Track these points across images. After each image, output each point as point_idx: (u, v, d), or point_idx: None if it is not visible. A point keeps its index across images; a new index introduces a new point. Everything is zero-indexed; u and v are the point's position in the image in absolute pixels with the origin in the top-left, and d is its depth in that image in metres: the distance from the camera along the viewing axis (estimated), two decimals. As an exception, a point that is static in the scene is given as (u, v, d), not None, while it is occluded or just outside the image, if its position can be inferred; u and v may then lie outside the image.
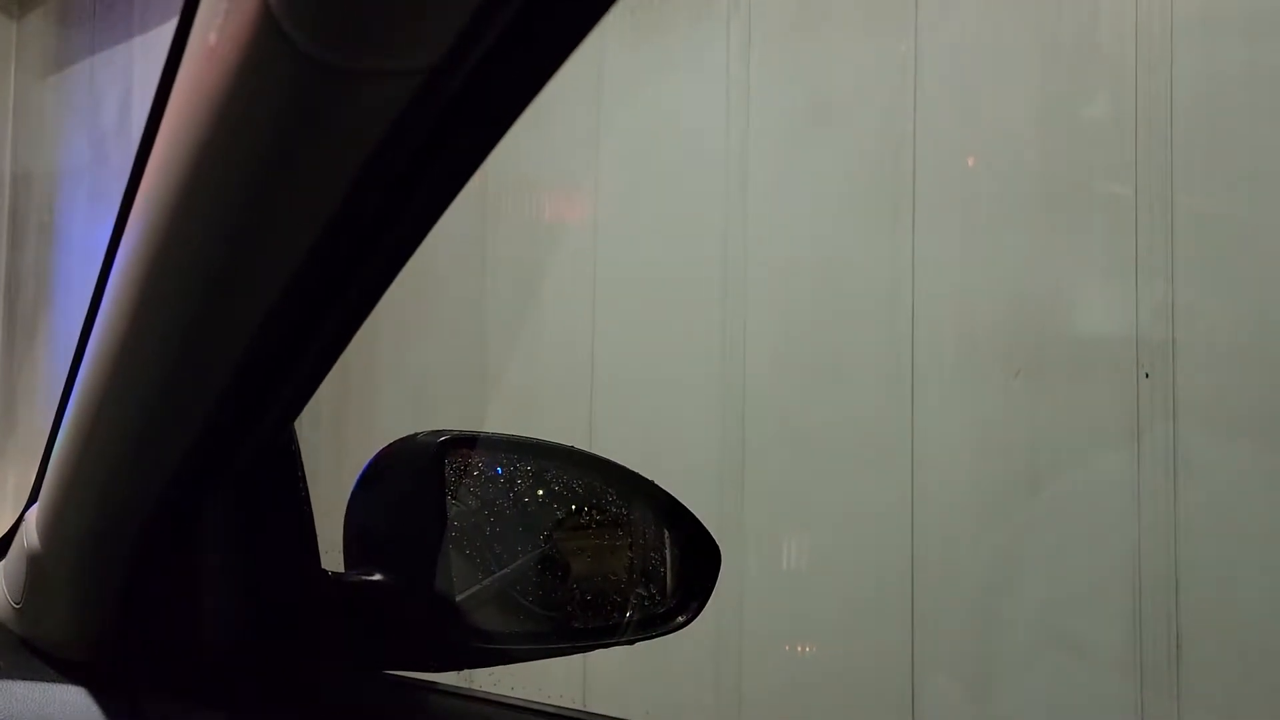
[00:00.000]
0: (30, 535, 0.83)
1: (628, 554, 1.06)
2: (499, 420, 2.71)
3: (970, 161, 1.98)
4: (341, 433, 2.92)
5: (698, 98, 2.29)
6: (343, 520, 0.90)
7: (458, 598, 0.93)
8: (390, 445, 0.92)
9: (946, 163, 2.00)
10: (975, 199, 1.97)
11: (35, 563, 0.83)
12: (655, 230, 2.38)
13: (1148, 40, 1.83)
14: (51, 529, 0.80)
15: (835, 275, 2.09)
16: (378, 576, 0.88)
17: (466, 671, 0.93)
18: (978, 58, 1.97)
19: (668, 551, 1.05)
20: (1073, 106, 1.91)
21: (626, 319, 2.43)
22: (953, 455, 1.97)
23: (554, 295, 2.59)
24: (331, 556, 0.90)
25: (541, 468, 1.01)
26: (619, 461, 1.02)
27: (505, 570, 0.99)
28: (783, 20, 2.21)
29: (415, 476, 0.93)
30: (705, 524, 0.98)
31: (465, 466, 0.97)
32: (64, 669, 0.80)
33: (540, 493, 1.02)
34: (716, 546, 0.98)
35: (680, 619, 0.97)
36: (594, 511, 1.05)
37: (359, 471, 0.93)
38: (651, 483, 1.01)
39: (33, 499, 0.92)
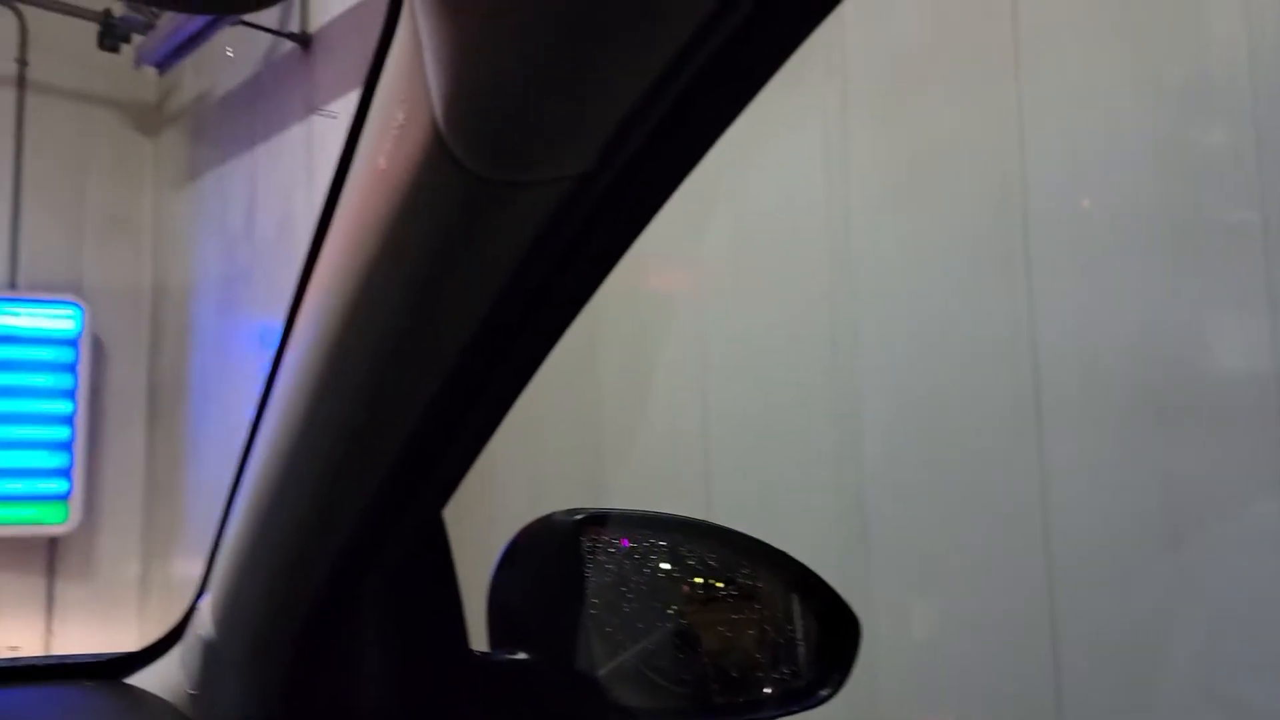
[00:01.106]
0: (204, 623, 0.88)
1: (762, 626, 1.05)
2: (616, 496, 2.74)
3: (1085, 203, 1.94)
4: (460, 518, 2.99)
5: (797, 162, 2.31)
6: (484, 599, 0.93)
7: (597, 674, 0.94)
8: (528, 526, 0.95)
9: (1059, 206, 1.96)
10: (1092, 240, 1.92)
11: (209, 649, 0.87)
12: (762, 298, 2.40)
13: (1262, 66, 1.79)
14: (224, 617, 0.85)
15: (950, 329, 2.06)
16: (521, 655, 0.90)
17: (609, 749, 0.94)
18: (1085, 99, 1.94)
19: (803, 623, 1.04)
20: (1187, 138, 1.86)
21: (738, 390, 2.44)
22: (1087, 507, 1.90)
23: (664, 372, 2.62)
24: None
25: (673, 541, 1.02)
26: (747, 532, 1.02)
27: (641, 645, 1.00)
28: (879, 80, 2.23)
29: (553, 555, 0.96)
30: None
31: (600, 543, 0.99)
32: (238, 754, 0.84)
33: (673, 566, 1.03)
34: (855, 616, 0.97)
35: (823, 692, 0.96)
36: (727, 584, 1.06)
37: (485, 553, 0.96)
38: (783, 553, 1.01)
39: (202, 589, 0.97)
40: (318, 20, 4.15)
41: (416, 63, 0.46)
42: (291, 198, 4.28)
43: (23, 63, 4.88)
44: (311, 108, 4.17)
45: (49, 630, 4.84)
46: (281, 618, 0.82)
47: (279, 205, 4.37)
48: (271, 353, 0.77)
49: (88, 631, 4.91)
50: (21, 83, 4.89)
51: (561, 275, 0.57)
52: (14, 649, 4.65)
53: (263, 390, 0.79)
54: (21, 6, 4.79)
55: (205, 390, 4.90)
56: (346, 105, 3.96)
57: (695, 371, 2.54)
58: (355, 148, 0.60)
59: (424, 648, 0.85)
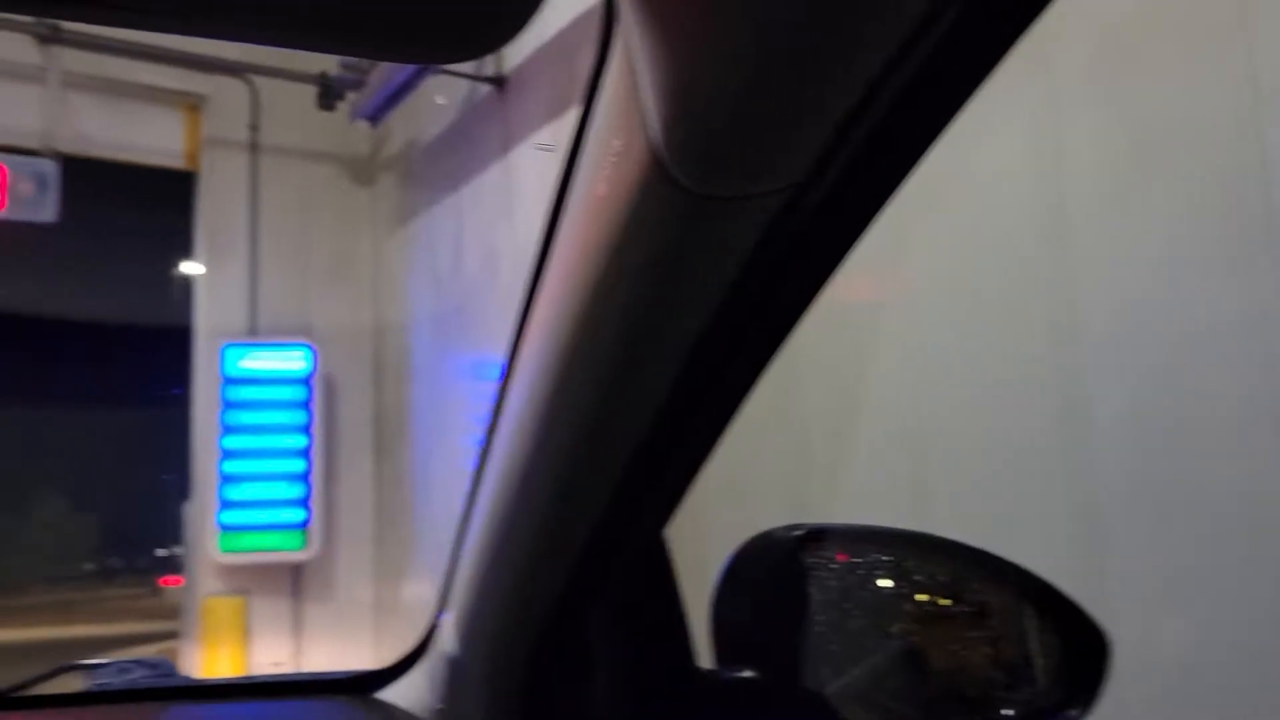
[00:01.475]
0: (447, 640, 0.93)
1: (997, 644, 1.00)
2: (824, 512, 2.69)
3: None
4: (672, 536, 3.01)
5: (1005, 158, 2.20)
6: (706, 616, 0.93)
7: (825, 693, 0.92)
8: (747, 542, 0.94)
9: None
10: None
11: (453, 666, 0.92)
12: (974, 302, 2.30)
13: None
14: (465, 635, 0.89)
15: (1186, 325, 1.90)
16: (748, 672, 0.90)
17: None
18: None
19: (1042, 639, 0.98)
20: None
21: (953, 397, 2.35)
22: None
23: (871, 382, 2.56)
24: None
25: (898, 556, 0.99)
26: (977, 545, 0.97)
27: (868, 664, 0.97)
28: (1090, 61, 2.09)
29: (773, 571, 0.95)
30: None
31: (821, 559, 0.97)
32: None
33: (898, 582, 1.00)
34: (1103, 632, 0.91)
35: (1071, 712, 0.90)
36: (957, 600, 1.01)
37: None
38: (1018, 566, 0.95)
39: (441, 607, 1.03)
40: (511, 62, 4.35)
41: (631, 90, 0.48)
42: (494, 233, 4.49)
43: (254, 128, 5.39)
44: (508, 146, 4.37)
45: (297, 648, 5.25)
46: (517, 636, 0.85)
47: (483, 241, 4.60)
48: (496, 380, 0.81)
49: (329, 649, 5.30)
50: (254, 147, 5.39)
51: (780, 287, 0.57)
52: (277, 665, 5.08)
53: (490, 416, 0.83)
54: (252, 77, 5.29)
55: (425, 421, 5.20)
56: (544, 139, 4.12)
57: (905, 381, 2.46)
58: (572, 177, 0.62)
59: (653, 665, 0.86)
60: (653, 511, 0.77)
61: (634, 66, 0.47)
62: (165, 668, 1.35)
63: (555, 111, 3.99)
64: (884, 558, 0.99)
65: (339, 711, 1.14)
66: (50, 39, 4.59)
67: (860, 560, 0.99)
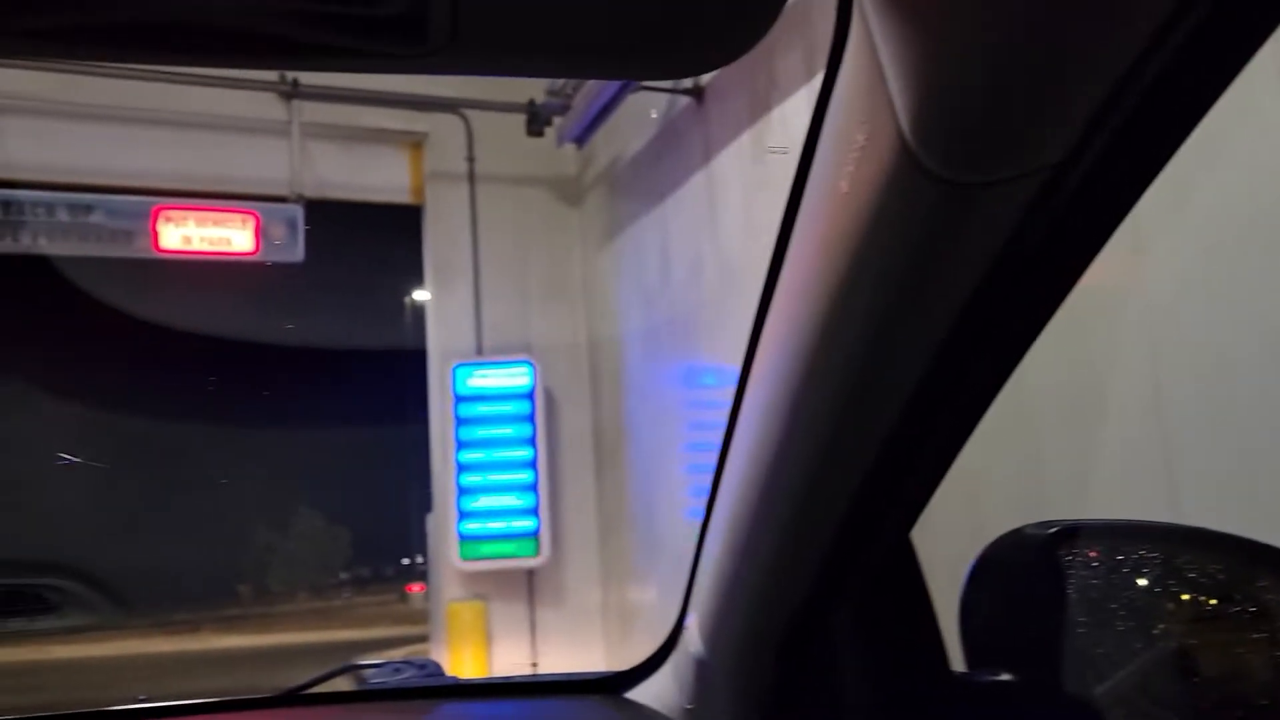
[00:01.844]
0: (693, 642, 0.95)
1: (1283, 648, 0.92)
2: (1060, 508, 2.54)
3: None
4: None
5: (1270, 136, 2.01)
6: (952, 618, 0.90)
7: (1089, 698, 0.88)
8: (996, 541, 0.91)
9: None
10: None
11: (700, 667, 0.94)
12: (1233, 289, 2.11)
13: None
14: (711, 637, 0.91)
15: None
16: (1004, 675, 0.87)
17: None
18: None
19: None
20: None
21: (1206, 390, 2.16)
22: None
23: (1109, 374, 2.40)
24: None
25: (1168, 552, 0.93)
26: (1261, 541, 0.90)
27: (1135, 668, 0.92)
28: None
29: (1027, 571, 0.91)
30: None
31: (1078, 556, 0.93)
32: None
33: (1167, 580, 0.94)
34: None
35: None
36: (1236, 599, 0.94)
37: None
38: (1310, 562, 0.87)
39: (684, 606, 1.05)
40: (708, 73, 4.40)
41: (874, 82, 0.48)
42: (699, 243, 4.55)
43: (471, 160, 5.71)
44: (709, 155, 4.41)
45: (534, 650, 5.50)
46: (763, 638, 0.85)
47: (688, 252, 4.66)
48: (732, 385, 0.83)
49: (563, 651, 5.52)
50: (472, 177, 5.72)
51: (1035, 276, 0.55)
52: (534, 666, 5.35)
53: (728, 420, 0.84)
54: (466, 112, 5.62)
55: (641, 430, 5.32)
56: (739, 146, 4.14)
57: (1154, 374, 2.29)
58: (809, 177, 0.62)
59: (902, 667, 0.84)
60: (898, 512, 0.76)
61: (878, 58, 0.47)
62: (433, 668, 1.46)
63: (755, 117, 4.00)
64: (1150, 554, 0.94)
65: (596, 710, 1.19)
66: (291, 94, 5.06)
67: (1122, 557, 0.94)
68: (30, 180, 4.76)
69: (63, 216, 4.59)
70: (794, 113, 3.68)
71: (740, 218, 4.16)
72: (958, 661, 0.88)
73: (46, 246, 4.60)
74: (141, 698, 1.43)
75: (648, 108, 4.89)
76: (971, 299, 0.55)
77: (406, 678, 1.43)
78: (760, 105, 3.93)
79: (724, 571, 0.88)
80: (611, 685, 1.28)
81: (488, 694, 1.38)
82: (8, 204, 4.53)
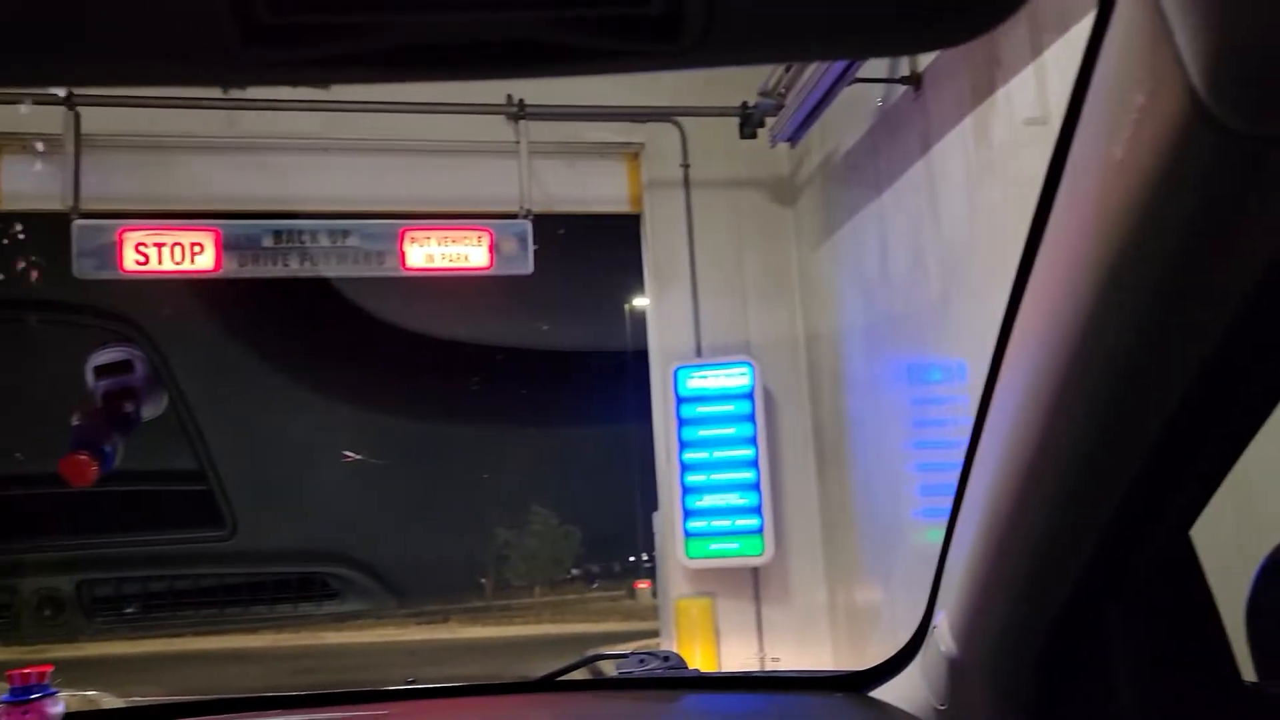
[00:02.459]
0: (945, 640, 0.94)
1: None
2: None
3: None
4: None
5: None
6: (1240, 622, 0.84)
7: None
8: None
9: None
10: None
11: (954, 666, 0.93)
12: None
13: None
14: (965, 635, 0.89)
15: None
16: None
17: None
18: None
19: None
20: None
21: None
22: None
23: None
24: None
25: None
26: None
27: None
28: None
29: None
30: None
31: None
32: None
33: None
34: None
35: None
36: None
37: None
38: None
39: (930, 604, 1.04)
40: (926, 59, 4.27)
41: (1154, 40, 0.45)
42: (920, 234, 4.41)
43: (686, 166, 5.82)
44: (928, 144, 4.27)
45: (760, 648, 5.52)
46: (1024, 636, 0.83)
47: (909, 245, 4.53)
48: (986, 373, 0.81)
49: (790, 649, 5.51)
50: (687, 182, 5.82)
51: None
52: (775, 660, 5.40)
53: (979, 409, 0.82)
54: (680, 119, 5.73)
55: (863, 427, 5.23)
56: (961, 132, 3.99)
57: None
58: (1069, 150, 0.60)
59: (1184, 674, 0.80)
60: (1177, 507, 0.72)
61: (1160, 11, 0.44)
62: (676, 660, 1.51)
63: (977, 100, 3.84)
64: None
65: (841, 708, 1.19)
66: (519, 115, 5.34)
67: None
68: (295, 210, 5.30)
69: (324, 241, 5.07)
70: (1019, 91, 3.51)
71: (963, 206, 4.01)
72: (1247, 670, 0.82)
73: (311, 269, 5.10)
74: (410, 680, 1.58)
75: (862, 101, 4.80)
76: (1268, 272, 0.52)
77: (651, 669, 1.49)
78: (982, 88, 3.77)
79: (978, 568, 0.86)
80: (853, 683, 1.28)
81: (729, 687, 1.41)
82: (278, 233, 5.05)
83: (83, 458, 0.98)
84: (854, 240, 5.18)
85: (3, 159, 5.45)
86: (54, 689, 0.87)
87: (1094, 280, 0.57)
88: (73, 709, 0.94)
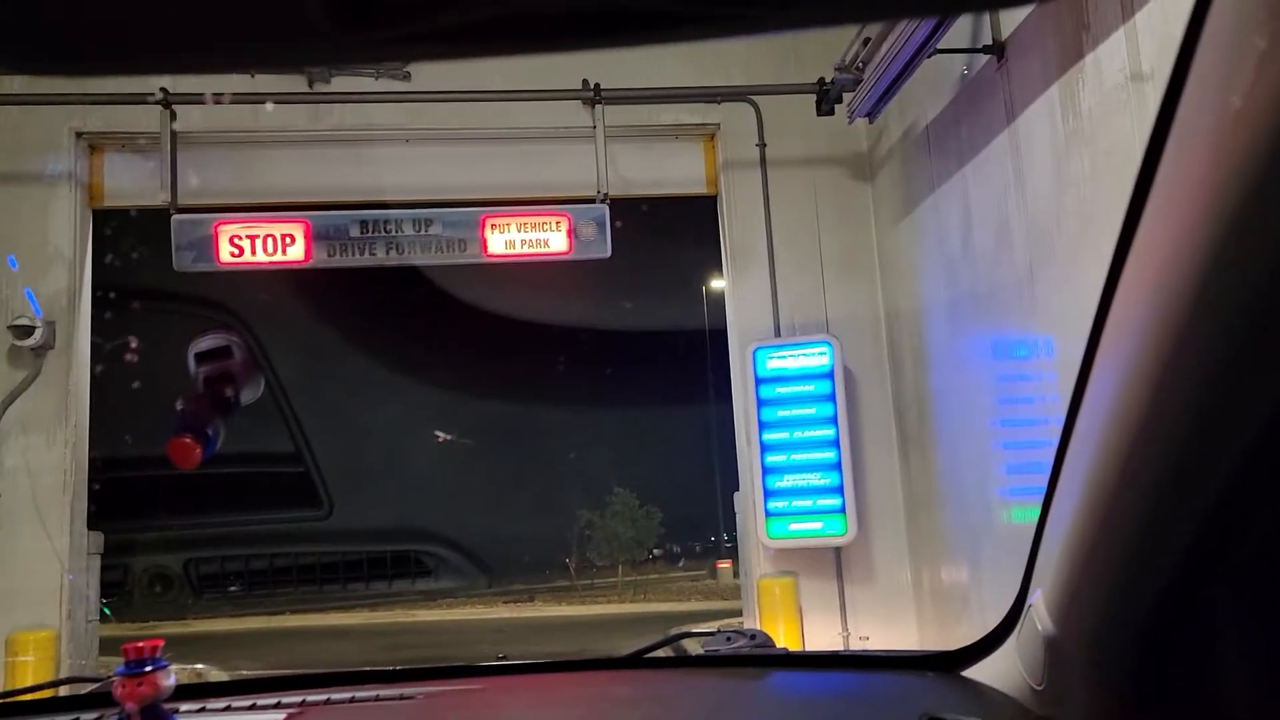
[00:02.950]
0: (1042, 619, 0.93)
1: None
2: None
3: None
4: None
5: None
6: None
7: None
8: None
9: None
10: None
11: (1052, 645, 0.92)
12: None
13: None
14: (1065, 613, 0.88)
15: None
16: None
17: None
18: None
19: None
20: None
21: None
22: None
23: None
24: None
25: None
26: None
27: None
28: None
29: None
30: None
31: None
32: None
33: None
34: None
35: None
36: None
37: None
38: None
39: (1025, 582, 1.03)
40: (1009, 26, 4.16)
41: None
42: (1004, 207, 4.31)
43: (762, 145, 5.77)
44: (1012, 114, 4.16)
45: (844, 627, 5.50)
46: (1125, 618, 0.82)
47: (993, 217, 4.43)
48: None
49: (875, 628, 5.47)
50: (763, 161, 5.78)
51: None
52: (864, 639, 5.38)
53: (1079, 383, 0.80)
54: (756, 99, 5.68)
55: (945, 405, 5.14)
56: (1048, 101, 3.87)
57: None
58: (1176, 107, 0.57)
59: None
60: None
61: None
62: (763, 638, 1.52)
63: (1064, 67, 3.72)
64: None
65: (930, 687, 1.19)
66: (594, 100, 5.37)
67: None
68: (380, 201, 5.43)
69: (409, 230, 5.18)
70: (1109, 56, 3.39)
71: (1050, 177, 3.90)
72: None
73: (396, 258, 5.22)
74: (501, 656, 1.62)
75: (943, 73, 4.70)
76: None
77: (738, 647, 1.51)
78: (1070, 54, 3.66)
79: (1078, 547, 0.84)
80: (947, 662, 1.28)
81: (817, 666, 1.42)
82: (364, 223, 5.18)
83: (187, 440, 1.03)
84: (935, 215, 5.09)
85: (104, 157, 5.70)
86: (166, 662, 0.93)
87: (1207, 244, 0.55)
88: (182, 682, 1.00)
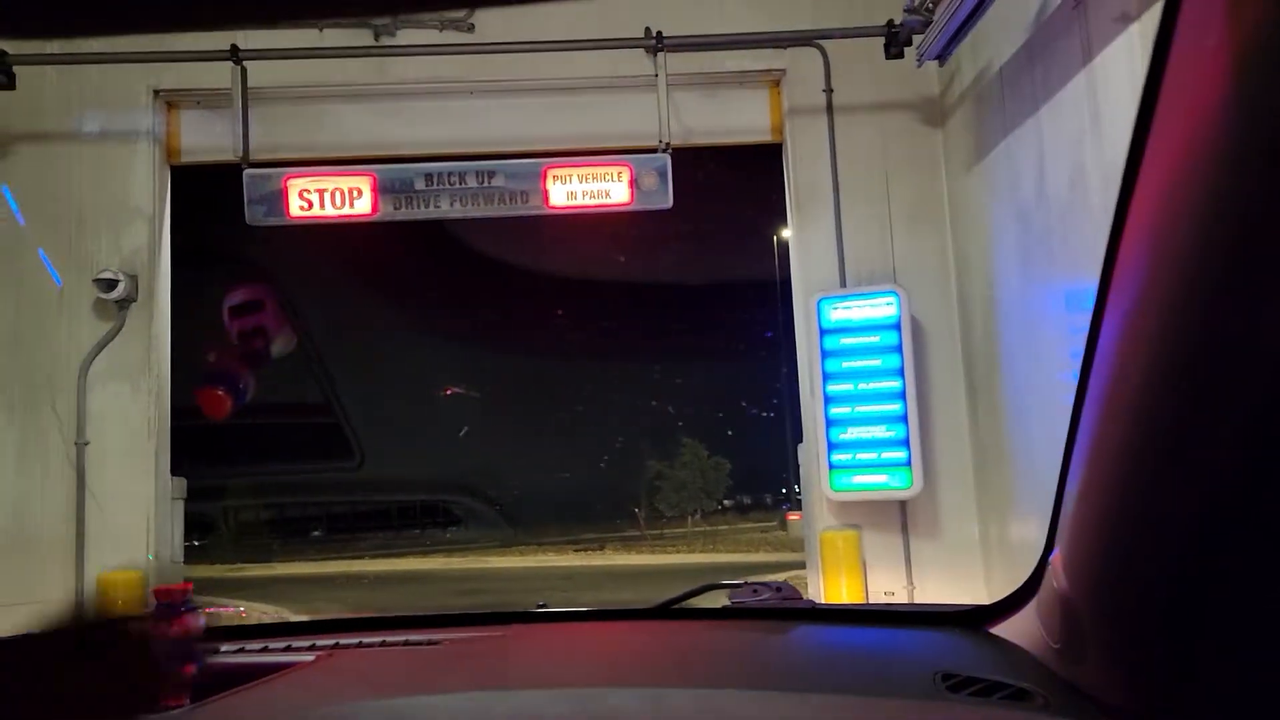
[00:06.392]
0: (1059, 577, 0.91)
1: None
2: None
3: None
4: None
5: None
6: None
7: None
8: None
9: None
10: None
11: (1066, 604, 0.90)
12: None
13: None
14: (1079, 573, 0.86)
15: None
16: None
17: None
18: None
19: None
20: None
21: None
22: None
23: None
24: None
25: None
26: None
27: None
28: None
29: None
30: None
31: None
32: (1108, 711, 0.84)
33: None
34: None
35: None
36: None
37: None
38: None
39: (1049, 544, 1.00)
40: (1086, -39, 3.96)
41: None
42: (1080, 151, 4.14)
43: (829, 91, 5.63)
44: (1090, 54, 3.98)
45: (909, 581, 5.46)
46: (1142, 578, 0.79)
47: (1068, 161, 4.27)
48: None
49: (940, 583, 5.42)
50: (830, 107, 5.64)
51: None
52: (889, 594, 5.36)
53: (1091, 332, 0.77)
54: (823, 43, 5.53)
55: (1015, 356, 5.01)
56: (1128, 39, 3.69)
57: None
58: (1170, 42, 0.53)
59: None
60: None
61: None
62: (789, 591, 1.52)
63: (1146, 3, 3.53)
64: None
65: (953, 643, 1.18)
66: (657, 48, 5.29)
67: None
68: (443, 154, 5.46)
69: (471, 183, 5.21)
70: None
71: (1129, 120, 3.72)
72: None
73: (459, 210, 5.26)
74: (540, 604, 1.65)
75: (1017, 12, 4.50)
76: None
77: (764, 599, 1.51)
78: (1152, -11, 3.47)
79: (1095, 505, 0.82)
80: (973, 619, 1.26)
81: (843, 620, 1.41)
82: (429, 175, 5.23)
83: (218, 392, 1.06)
84: (1008, 161, 4.92)
85: (180, 114, 5.84)
86: (194, 605, 0.97)
87: (1209, 184, 0.53)
88: (222, 622, 1.05)
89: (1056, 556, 0.93)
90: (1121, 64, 3.76)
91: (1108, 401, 0.73)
